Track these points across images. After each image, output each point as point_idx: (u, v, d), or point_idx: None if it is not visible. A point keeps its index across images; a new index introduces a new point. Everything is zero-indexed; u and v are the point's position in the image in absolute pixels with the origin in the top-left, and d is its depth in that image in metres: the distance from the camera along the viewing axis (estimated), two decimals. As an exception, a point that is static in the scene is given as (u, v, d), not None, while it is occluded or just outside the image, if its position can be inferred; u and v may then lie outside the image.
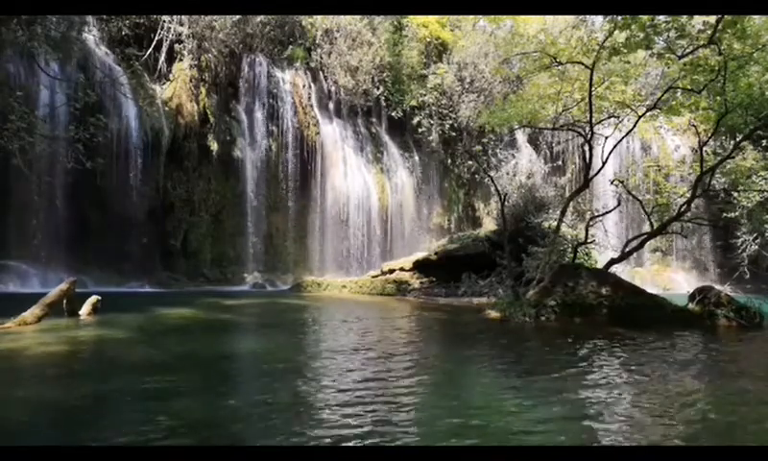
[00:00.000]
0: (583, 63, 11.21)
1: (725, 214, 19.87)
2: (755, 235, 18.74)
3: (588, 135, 11.82)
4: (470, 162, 25.51)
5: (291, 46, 22.91)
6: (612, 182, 13.74)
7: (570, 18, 16.47)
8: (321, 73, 23.58)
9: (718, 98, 10.15)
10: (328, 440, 3.13)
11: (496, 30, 24.43)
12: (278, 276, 20.32)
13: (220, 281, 18.91)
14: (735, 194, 17.34)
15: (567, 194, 21.74)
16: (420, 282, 16.46)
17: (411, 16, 25.51)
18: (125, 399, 4.01)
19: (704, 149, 11.39)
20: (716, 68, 9.57)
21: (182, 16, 18.80)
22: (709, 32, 9.51)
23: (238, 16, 20.24)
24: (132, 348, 6.28)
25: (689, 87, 10.58)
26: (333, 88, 23.72)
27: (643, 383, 4.77)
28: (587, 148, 12.13)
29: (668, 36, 10.37)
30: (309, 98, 22.65)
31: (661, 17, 9.75)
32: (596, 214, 13.87)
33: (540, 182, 21.65)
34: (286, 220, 21.64)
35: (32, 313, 7.39)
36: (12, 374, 4.78)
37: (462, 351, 6.61)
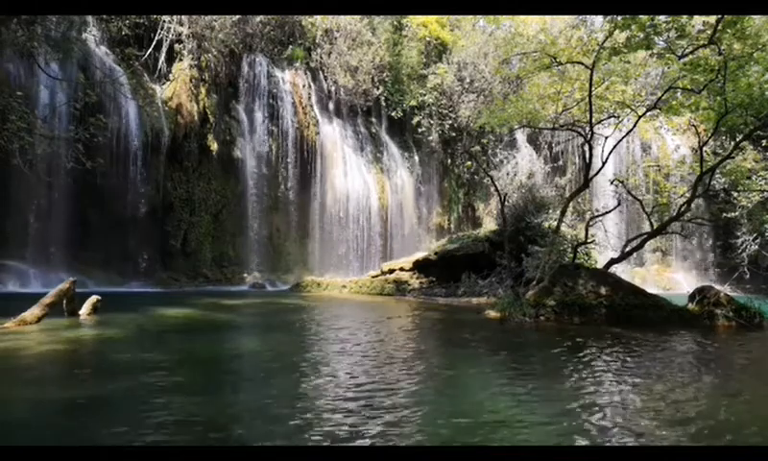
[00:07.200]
0: (583, 63, 11.21)
1: (725, 214, 19.89)
2: (755, 235, 18.76)
3: (588, 135, 11.82)
4: (470, 162, 25.53)
5: (291, 46, 22.93)
6: (611, 182, 13.73)
7: (570, 18, 16.48)
8: (321, 73, 23.60)
9: (718, 98, 10.14)
10: (328, 440, 3.13)
11: (496, 30, 24.44)
12: (278, 276, 20.34)
13: (220, 281, 18.93)
14: (735, 194, 17.37)
15: (567, 194, 21.76)
16: (420, 282, 16.46)
17: (411, 16, 25.53)
18: (124, 398, 4.01)
19: (704, 149, 11.38)
20: (716, 68, 9.57)
21: (182, 16, 18.81)
22: (709, 32, 9.52)
23: (238, 16, 20.25)
24: (132, 347, 6.28)
25: (689, 87, 10.57)
26: (333, 88, 23.74)
27: (641, 383, 4.77)
28: (586, 148, 12.13)
29: (668, 36, 10.38)
30: (309, 98, 22.66)
31: (661, 17, 9.76)
32: (596, 214, 13.87)
33: (540, 182, 21.66)
34: (286, 220, 21.66)
35: (31, 313, 7.39)
36: (11, 374, 4.78)
37: (461, 351, 6.61)
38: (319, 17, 23.27)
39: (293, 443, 3.09)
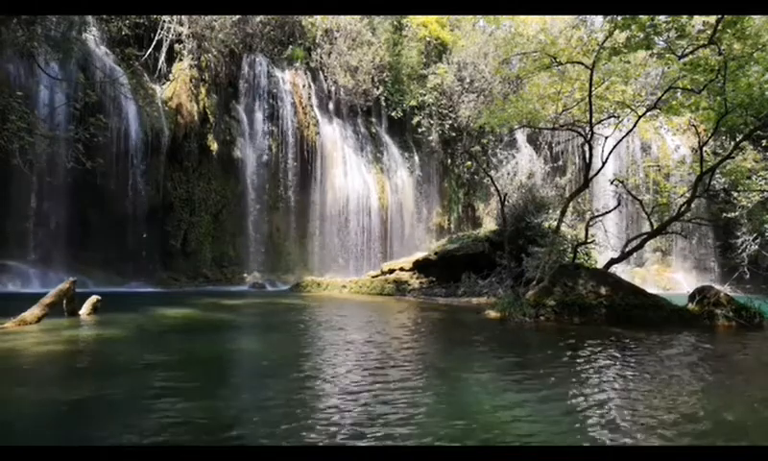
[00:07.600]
0: (583, 63, 11.21)
1: (725, 214, 19.90)
2: (755, 235, 18.75)
3: (588, 135, 11.82)
4: (470, 162, 25.55)
5: (291, 46, 22.93)
6: (611, 182, 13.73)
7: (570, 18, 16.48)
8: (321, 73, 23.60)
9: (718, 98, 10.14)
10: (328, 440, 3.13)
11: (496, 30, 24.44)
12: (278, 276, 20.34)
13: (220, 281, 18.93)
14: (735, 194, 17.37)
15: (567, 194, 21.77)
16: (420, 282, 16.46)
17: (411, 16, 25.53)
18: (124, 399, 4.00)
19: (704, 149, 11.38)
20: (716, 68, 9.57)
21: (182, 16, 18.81)
22: (709, 32, 9.52)
23: (238, 16, 20.25)
24: (132, 347, 6.28)
25: (689, 87, 10.57)
26: (333, 88, 23.74)
27: (641, 383, 4.77)
28: (586, 148, 12.13)
29: (668, 37, 10.38)
30: (309, 98, 22.67)
31: (661, 17, 9.76)
32: (596, 214, 13.87)
33: (540, 182, 21.67)
34: (286, 220, 21.66)
35: (31, 313, 7.39)
36: (11, 374, 4.78)
37: (460, 351, 6.60)
38: (319, 17, 23.28)
39: (293, 443, 3.09)
